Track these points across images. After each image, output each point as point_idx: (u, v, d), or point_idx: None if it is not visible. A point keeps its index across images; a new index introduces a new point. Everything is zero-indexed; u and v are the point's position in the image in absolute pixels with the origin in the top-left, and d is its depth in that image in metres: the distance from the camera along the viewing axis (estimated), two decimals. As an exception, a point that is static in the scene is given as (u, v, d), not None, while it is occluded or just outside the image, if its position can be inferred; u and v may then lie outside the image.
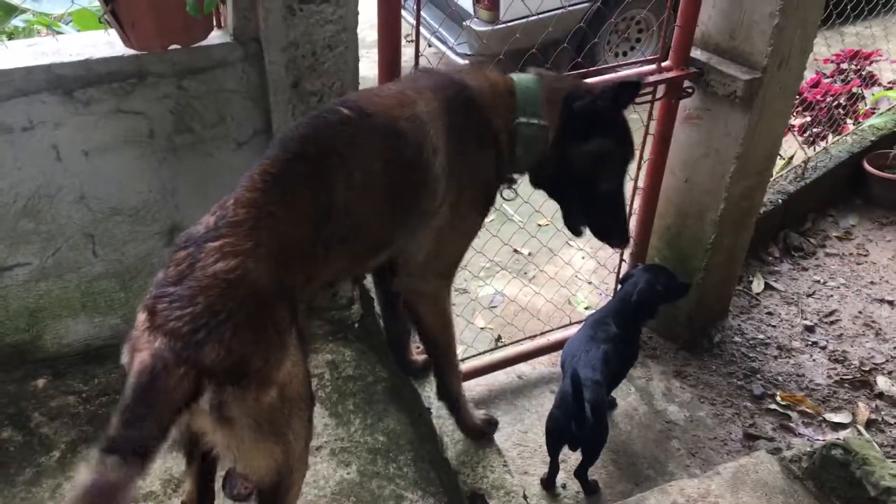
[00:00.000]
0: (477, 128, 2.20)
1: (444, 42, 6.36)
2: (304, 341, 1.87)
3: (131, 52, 2.50)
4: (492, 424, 2.72)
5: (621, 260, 3.89)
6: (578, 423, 2.80)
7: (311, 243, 1.90)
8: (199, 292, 1.64)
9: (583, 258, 4.46)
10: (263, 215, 1.80)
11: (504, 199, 2.56)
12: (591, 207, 2.45)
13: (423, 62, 2.72)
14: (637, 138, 3.44)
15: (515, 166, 2.36)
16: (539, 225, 4.46)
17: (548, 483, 3.17)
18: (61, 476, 2.53)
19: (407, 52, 2.60)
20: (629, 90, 2.26)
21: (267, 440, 1.76)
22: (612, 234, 2.54)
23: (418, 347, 2.81)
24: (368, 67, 2.73)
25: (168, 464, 2.58)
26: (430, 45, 6.57)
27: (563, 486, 3.21)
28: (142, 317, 1.66)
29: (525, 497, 2.42)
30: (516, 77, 2.33)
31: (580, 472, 3.12)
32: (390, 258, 2.28)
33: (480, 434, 2.67)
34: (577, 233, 2.55)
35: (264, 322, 1.70)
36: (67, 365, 2.88)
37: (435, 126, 2.09)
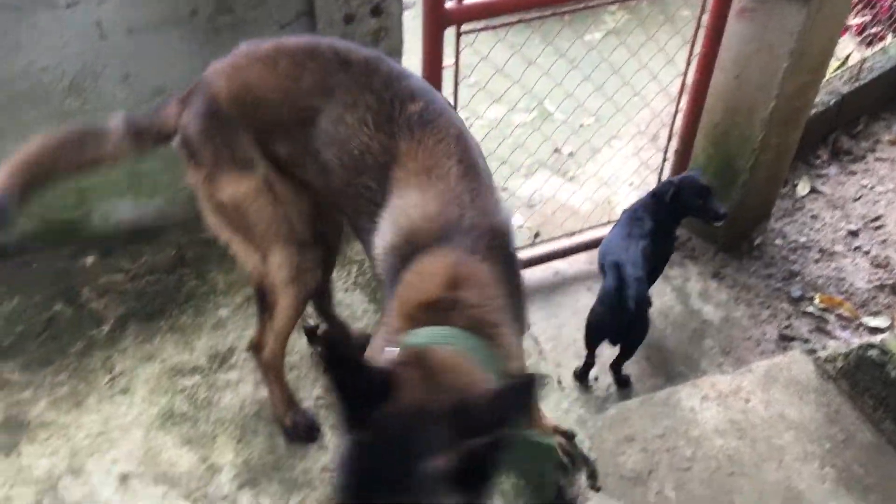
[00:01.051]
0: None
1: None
2: (286, 192, 1.99)
3: (174, -74, 2.45)
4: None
5: (664, 159, 3.83)
6: (623, 317, 2.83)
7: (289, 122, 1.88)
8: (199, 86, 1.96)
9: (624, 158, 4.39)
10: (270, 63, 1.89)
11: None
12: None
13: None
14: (689, 31, 3.37)
15: None
16: (581, 125, 4.39)
17: (582, 375, 3.23)
18: (111, 349, 2.62)
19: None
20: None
21: (235, 234, 2.03)
22: None
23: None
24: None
25: (212, 341, 2.66)
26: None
27: (596, 379, 3.27)
28: None
29: (560, 382, 2.47)
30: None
31: (615, 366, 3.17)
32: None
33: None
34: None
35: (216, 134, 1.93)
36: (115, 244, 2.93)
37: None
